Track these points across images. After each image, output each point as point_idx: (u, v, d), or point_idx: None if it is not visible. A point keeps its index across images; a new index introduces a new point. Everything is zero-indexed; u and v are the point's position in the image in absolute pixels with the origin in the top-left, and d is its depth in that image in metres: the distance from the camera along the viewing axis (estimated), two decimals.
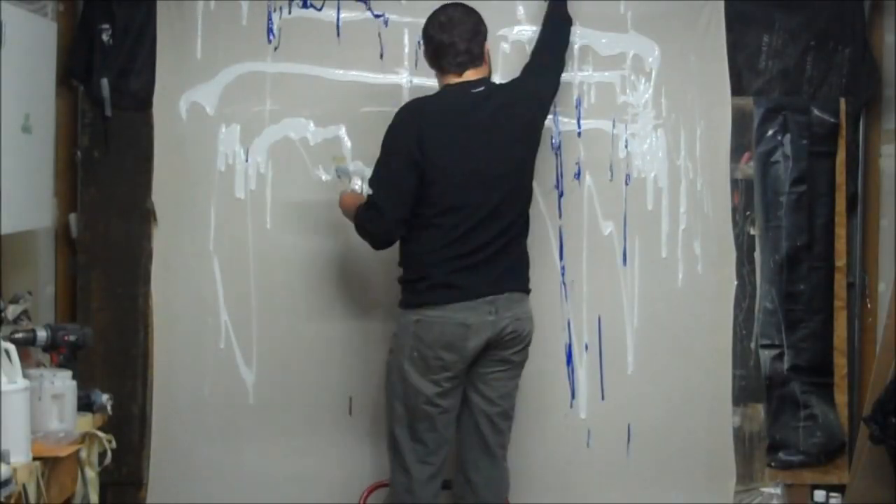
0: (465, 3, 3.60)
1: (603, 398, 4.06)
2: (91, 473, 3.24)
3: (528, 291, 3.61)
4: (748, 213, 4.11)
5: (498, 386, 3.56)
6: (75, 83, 3.97)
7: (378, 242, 3.55)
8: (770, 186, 4.10)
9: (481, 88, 3.52)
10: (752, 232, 4.11)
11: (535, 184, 3.73)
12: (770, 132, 4.10)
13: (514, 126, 3.53)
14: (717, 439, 4.10)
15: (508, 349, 3.53)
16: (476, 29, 3.54)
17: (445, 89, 3.57)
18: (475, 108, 3.49)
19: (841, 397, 4.13)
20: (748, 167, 4.11)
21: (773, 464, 4.13)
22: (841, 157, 4.11)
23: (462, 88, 3.52)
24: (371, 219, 3.49)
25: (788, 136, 4.09)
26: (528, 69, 3.79)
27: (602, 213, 4.05)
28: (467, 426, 3.59)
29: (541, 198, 4.00)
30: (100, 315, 3.97)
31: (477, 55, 3.53)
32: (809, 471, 4.14)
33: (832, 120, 4.10)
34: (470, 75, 3.53)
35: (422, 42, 3.64)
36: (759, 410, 4.13)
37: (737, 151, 4.09)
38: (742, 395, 4.11)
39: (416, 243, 3.51)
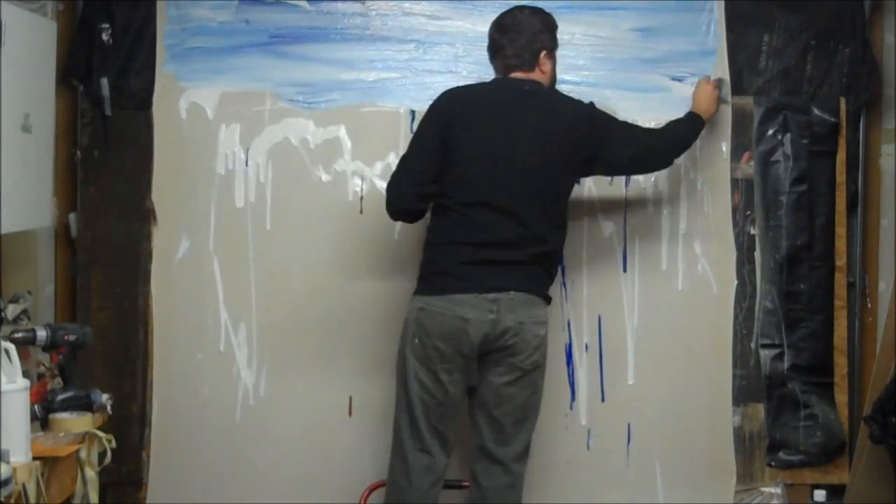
0: (539, 7, 3.66)
1: (603, 399, 4.06)
2: (91, 473, 3.24)
3: (542, 296, 3.51)
4: (748, 212, 4.10)
5: (509, 395, 3.48)
6: (75, 83, 3.98)
7: (391, 211, 3.52)
8: (770, 186, 4.10)
9: (527, 87, 3.52)
10: (753, 231, 4.11)
11: None
12: (770, 131, 4.10)
13: (551, 130, 3.49)
14: (717, 439, 4.10)
15: (514, 355, 3.45)
16: (533, 37, 3.56)
17: (495, 80, 3.61)
18: (515, 100, 3.49)
19: (841, 397, 4.13)
20: (748, 167, 4.10)
21: (773, 463, 4.12)
22: (841, 156, 4.11)
23: (507, 81, 3.55)
24: (390, 185, 3.49)
25: (789, 135, 4.09)
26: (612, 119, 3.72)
27: (602, 214, 4.05)
28: (478, 431, 3.54)
29: None
30: (99, 315, 3.97)
31: (526, 60, 3.56)
32: (809, 470, 4.13)
33: (832, 119, 4.10)
34: (518, 76, 3.55)
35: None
36: (760, 410, 4.12)
37: (737, 151, 4.09)
38: (742, 395, 4.11)
39: (434, 230, 3.51)
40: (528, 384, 3.50)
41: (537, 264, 3.49)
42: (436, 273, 3.46)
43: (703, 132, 3.92)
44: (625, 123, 3.72)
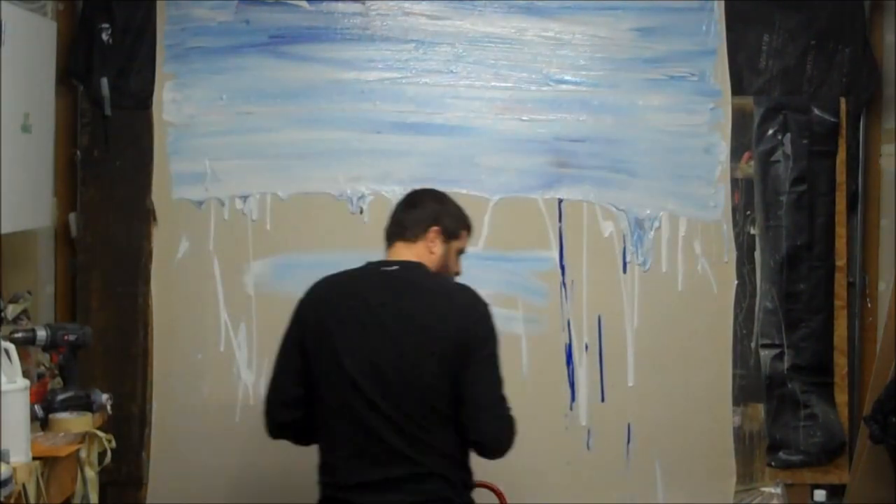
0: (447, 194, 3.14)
1: (603, 399, 4.06)
2: (91, 473, 3.24)
3: None
4: (748, 212, 4.10)
5: None
6: (75, 82, 3.97)
7: (266, 425, 3.06)
8: (770, 186, 4.10)
9: (395, 268, 2.95)
10: (753, 231, 4.11)
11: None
12: (770, 131, 4.10)
13: (410, 326, 2.88)
14: (717, 439, 4.10)
15: None
16: (428, 214, 3.02)
17: (362, 268, 3.03)
18: (375, 290, 2.93)
19: (841, 397, 4.13)
20: (748, 166, 4.10)
21: (773, 463, 4.12)
22: (841, 156, 4.11)
23: (374, 267, 2.99)
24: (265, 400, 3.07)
25: (789, 135, 4.09)
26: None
27: (602, 214, 4.05)
28: None
29: (541, 199, 4.02)
30: (100, 315, 3.97)
31: (408, 228, 3.00)
32: (809, 470, 4.13)
33: (832, 119, 4.10)
34: (398, 250, 3.01)
35: None
36: (760, 410, 4.12)
37: (737, 151, 4.09)
38: (742, 395, 4.11)
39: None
40: None
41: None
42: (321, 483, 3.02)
43: (704, 131, 3.97)
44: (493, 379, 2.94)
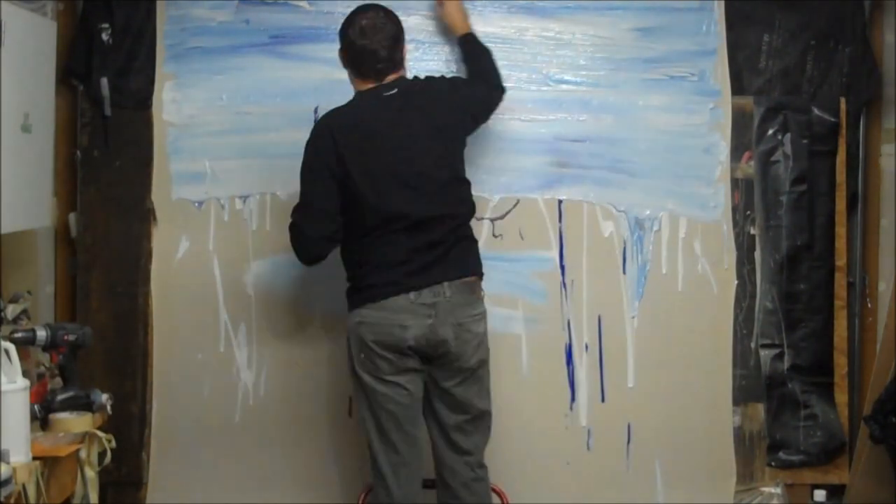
0: (383, 4, 3.54)
1: (603, 399, 4.05)
2: (91, 473, 3.23)
3: (478, 275, 3.50)
4: (748, 212, 4.10)
5: (460, 394, 3.46)
6: (75, 82, 3.97)
7: (303, 258, 3.50)
8: (770, 186, 4.10)
9: (394, 91, 3.44)
10: (753, 231, 4.10)
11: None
12: (770, 131, 4.10)
13: (426, 125, 3.46)
14: (717, 439, 4.09)
15: (457, 359, 3.42)
16: (397, 35, 3.47)
17: (359, 96, 3.49)
18: (388, 112, 3.42)
19: (841, 397, 4.12)
20: (748, 166, 4.10)
21: (773, 463, 4.12)
22: (841, 156, 4.11)
23: (375, 94, 3.45)
24: (295, 237, 3.46)
25: (789, 135, 4.09)
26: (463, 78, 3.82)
27: (602, 214, 4.05)
28: (436, 432, 3.52)
29: (541, 199, 4.02)
30: (99, 315, 3.97)
31: (398, 61, 3.48)
32: (810, 470, 4.13)
33: (832, 119, 4.10)
34: (390, 79, 3.46)
35: (340, 43, 3.52)
36: (760, 410, 4.12)
37: (737, 151, 4.09)
38: (742, 395, 4.10)
39: (351, 251, 3.47)
40: (477, 380, 3.49)
41: (462, 246, 3.46)
42: (367, 286, 3.41)
43: (704, 131, 4.00)
44: (462, 78, 3.83)
